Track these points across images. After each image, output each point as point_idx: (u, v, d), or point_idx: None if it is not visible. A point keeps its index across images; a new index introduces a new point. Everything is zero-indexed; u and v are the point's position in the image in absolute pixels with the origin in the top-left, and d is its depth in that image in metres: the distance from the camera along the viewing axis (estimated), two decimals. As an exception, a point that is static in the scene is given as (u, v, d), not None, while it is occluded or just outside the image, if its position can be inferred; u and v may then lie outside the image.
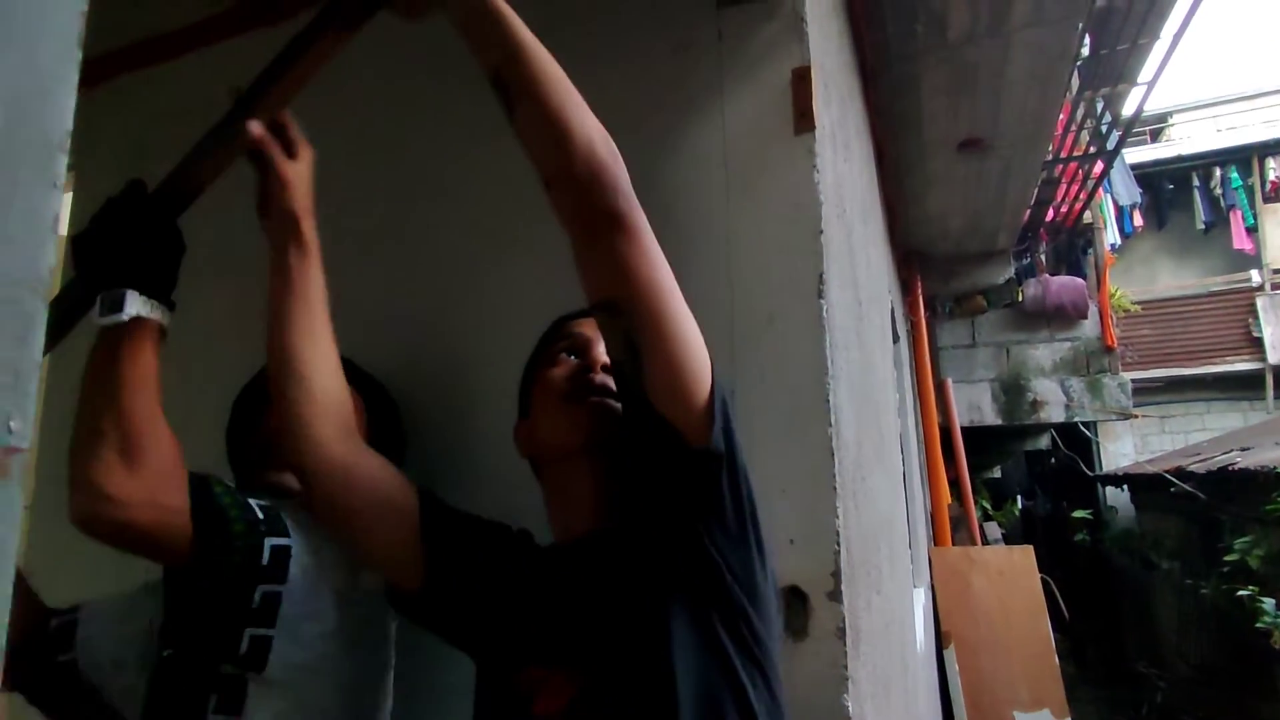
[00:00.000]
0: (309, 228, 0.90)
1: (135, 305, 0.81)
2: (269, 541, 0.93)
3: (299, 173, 0.89)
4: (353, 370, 1.00)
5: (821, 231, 1.13)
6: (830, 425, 1.07)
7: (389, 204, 1.45)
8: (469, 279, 1.35)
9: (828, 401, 1.08)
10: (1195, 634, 6.18)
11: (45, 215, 0.19)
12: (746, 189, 1.19)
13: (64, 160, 0.20)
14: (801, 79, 1.19)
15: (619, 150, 0.78)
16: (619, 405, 0.87)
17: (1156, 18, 3.59)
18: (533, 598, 0.86)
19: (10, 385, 0.18)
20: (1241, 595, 4.82)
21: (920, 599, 3.44)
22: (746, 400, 1.10)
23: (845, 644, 1.02)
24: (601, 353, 0.91)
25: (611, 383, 0.88)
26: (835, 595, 1.03)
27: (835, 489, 1.06)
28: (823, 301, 1.11)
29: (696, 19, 1.26)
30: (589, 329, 0.94)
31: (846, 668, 1.01)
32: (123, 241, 0.82)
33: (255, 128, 0.85)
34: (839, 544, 1.04)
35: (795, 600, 1.04)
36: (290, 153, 0.89)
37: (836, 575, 1.03)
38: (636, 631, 0.78)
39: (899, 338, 3.92)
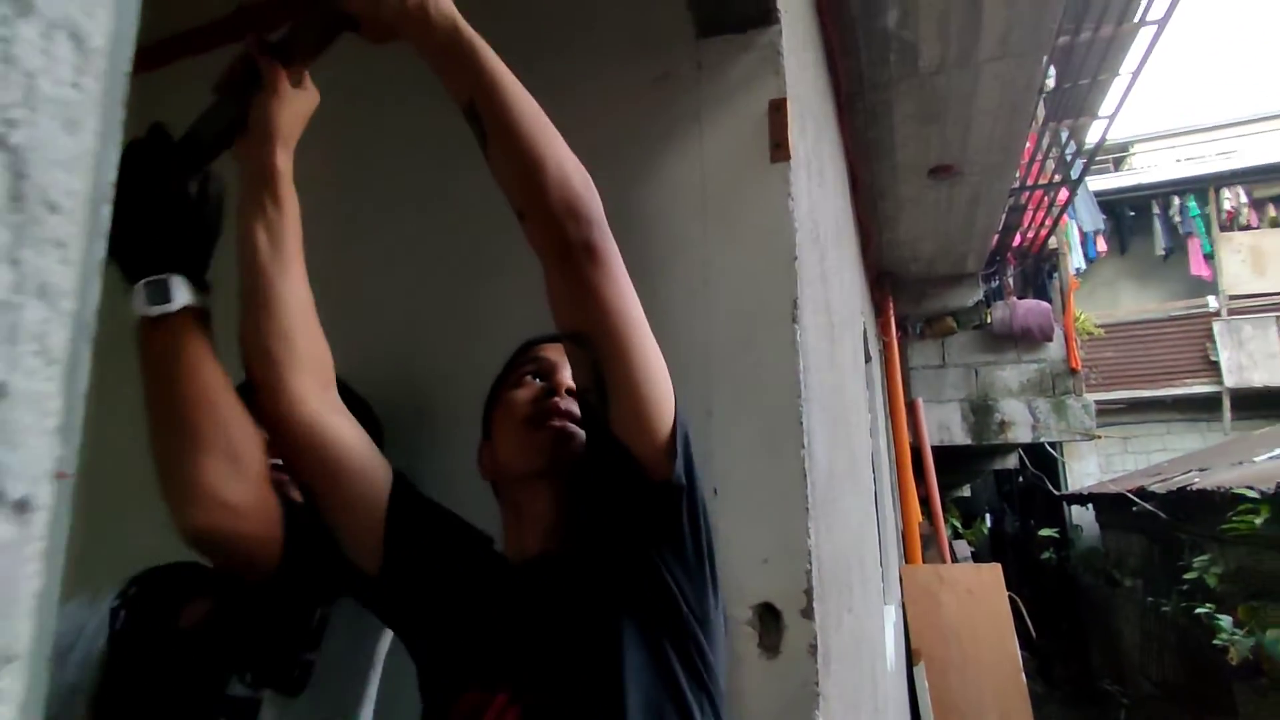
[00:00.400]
0: (284, 155, 0.82)
1: (183, 294, 0.74)
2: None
3: (293, 96, 0.83)
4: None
5: (796, 258, 1.17)
6: (803, 446, 1.10)
7: (369, 216, 1.45)
8: (447, 296, 1.36)
9: (801, 423, 1.11)
10: (1157, 651, 6.30)
11: (92, 262, 0.21)
12: (723, 216, 1.22)
13: (109, 210, 0.22)
14: (777, 110, 1.23)
15: (599, 177, 0.79)
16: (581, 431, 0.87)
17: (1116, 54, 3.73)
18: (483, 613, 0.85)
19: (60, 414, 0.19)
20: (1200, 612, 4.93)
21: (891, 616, 3.48)
22: (721, 422, 1.13)
23: (817, 661, 1.03)
24: (566, 377, 0.90)
25: (575, 408, 0.88)
26: (808, 612, 1.05)
27: (808, 508, 1.08)
28: (796, 326, 1.14)
29: (676, 49, 1.30)
30: (555, 353, 0.93)
31: (818, 685, 1.03)
32: (156, 211, 0.72)
33: (253, 41, 0.80)
34: (811, 562, 1.06)
35: (769, 618, 1.06)
36: (292, 80, 0.83)
37: (809, 593, 1.05)
38: (588, 653, 0.78)
39: (871, 358, 3.98)
